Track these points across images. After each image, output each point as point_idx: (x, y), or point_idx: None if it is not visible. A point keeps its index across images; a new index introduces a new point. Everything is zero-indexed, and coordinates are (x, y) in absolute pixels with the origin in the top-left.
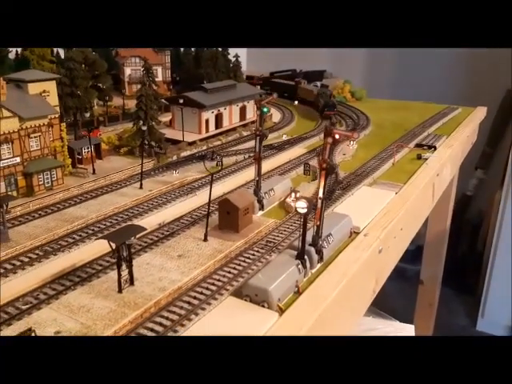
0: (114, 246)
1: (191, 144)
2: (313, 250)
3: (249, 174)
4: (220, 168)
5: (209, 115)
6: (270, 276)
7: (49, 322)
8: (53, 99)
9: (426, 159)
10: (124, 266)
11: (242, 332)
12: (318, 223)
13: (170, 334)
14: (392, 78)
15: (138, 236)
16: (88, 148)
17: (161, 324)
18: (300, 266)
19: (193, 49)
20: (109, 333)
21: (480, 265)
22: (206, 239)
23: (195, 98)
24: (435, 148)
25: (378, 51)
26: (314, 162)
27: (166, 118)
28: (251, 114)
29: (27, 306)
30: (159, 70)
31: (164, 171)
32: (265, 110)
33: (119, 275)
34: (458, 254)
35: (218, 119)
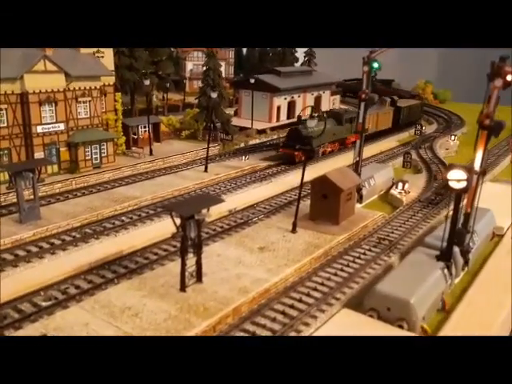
0: (178, 221)
1: (261, 132)
2: (457, 250)
3: (330, 165)
4: (323, 128)
5: (281, 102)
6: (409, 283)
7: (77, 327)
8: (108, 62)
9: None
10: (190, 253)
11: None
12: (469, 210)
13: None
14: (468, 81)
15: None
16: (145, 127)
17: None
18: (446, 272)
19: None
20: None
21: None
22: (294, 230)
23: (267, 80)
24: None
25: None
26: (413, 155)
27: (228, 111)
28: (326, 106)
29: (48, 303)
30: (223, 65)
31: (231, 157)
32: (375, 65)
33: (183, 265)
34: None
35: (291, 107)
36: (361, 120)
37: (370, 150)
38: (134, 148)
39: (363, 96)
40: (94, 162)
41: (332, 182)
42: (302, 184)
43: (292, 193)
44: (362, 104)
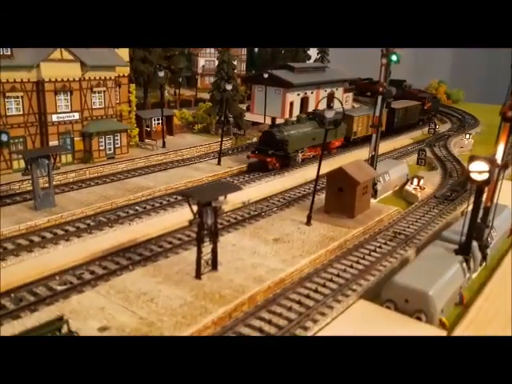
0: (195, 208)
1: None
2: (475, 245)
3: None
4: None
5: (294, 97)
6: (427, 275)
7: (92, 311)
8: (123, 53)
9: None
10: (206, 242)
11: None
12: (489, 204)
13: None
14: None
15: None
16: (158, 120)
17: (261, 330)
18: (465, 266)
19: None
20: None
21: None
22: (309, 223)
23: (280, 75)
24: None
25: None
26: (428, 152)
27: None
28: (338, 102)
29: (64, 287)
30: (235, 62)
31: (243, 151)
32: (393, 58)
33: (199, 253)
34: None
35: (304, 103)
36: (378, 114)
37: (383, 147)
38: (147, 140)
39: (380, 89)
40: (108, 152)
41: (348, 175)
42: (318, 177)
43: (306, 187)
44: (379, 97)
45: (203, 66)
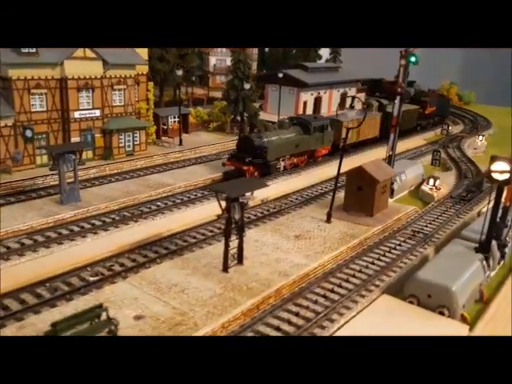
0: (223, 203)
1: None
2: (494, 243)
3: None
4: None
5: (308, 97)
6: (449, 271)
7: (126, 300)
8: (143, 51)
9: None
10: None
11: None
12: (509, 204)
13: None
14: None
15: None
16: (175, 118)
17: (289, 322)
18: (485, 263)
19: None
20: (214, 326)
21: None
22: (329, 220)
23: (294, 75)
24: None
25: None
26: (443, 153)
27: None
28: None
29: (96, 278)
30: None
31: None
32: (412, 59)
33: (226, 246)
34: None
35: (317, 103)
36: (396, 114)
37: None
38: (163, 138)
39: (399, 90)
40: (127, 149)
41: (368, 174)
42: (339, 174)
43: (322, 185)
44: (398, 98)
45: (214, 65)
